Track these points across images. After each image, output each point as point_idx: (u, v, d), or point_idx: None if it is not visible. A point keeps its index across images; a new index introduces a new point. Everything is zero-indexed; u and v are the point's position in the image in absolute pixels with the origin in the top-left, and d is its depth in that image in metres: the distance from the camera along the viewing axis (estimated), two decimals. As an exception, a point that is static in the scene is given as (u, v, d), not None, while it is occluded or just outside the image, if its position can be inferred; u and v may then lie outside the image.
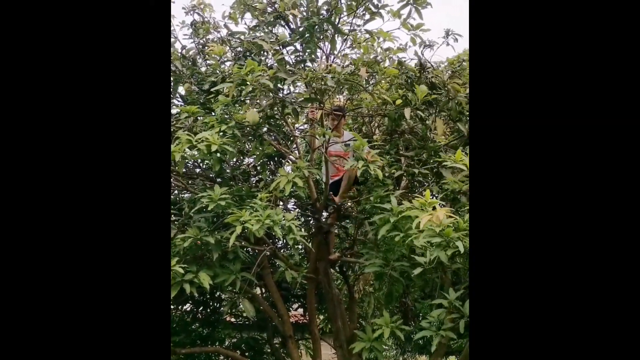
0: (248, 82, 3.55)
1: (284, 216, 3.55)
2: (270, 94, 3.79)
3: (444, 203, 3.44)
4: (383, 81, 4.25)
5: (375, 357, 3.84)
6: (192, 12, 4.85)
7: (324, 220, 4.50)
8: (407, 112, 3.85)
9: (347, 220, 5.00)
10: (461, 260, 3.41)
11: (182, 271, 3.42)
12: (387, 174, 4.00)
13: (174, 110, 4.60)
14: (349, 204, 4.98)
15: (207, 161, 4.45)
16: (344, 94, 4.41)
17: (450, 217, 3.14)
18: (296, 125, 4.94)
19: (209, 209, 3.58)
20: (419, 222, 3.12)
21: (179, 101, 4.76)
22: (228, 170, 4.69)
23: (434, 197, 4.39)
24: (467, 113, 4.26)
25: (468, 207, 3.47)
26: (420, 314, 4.75)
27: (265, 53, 4.31)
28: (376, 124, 4.84)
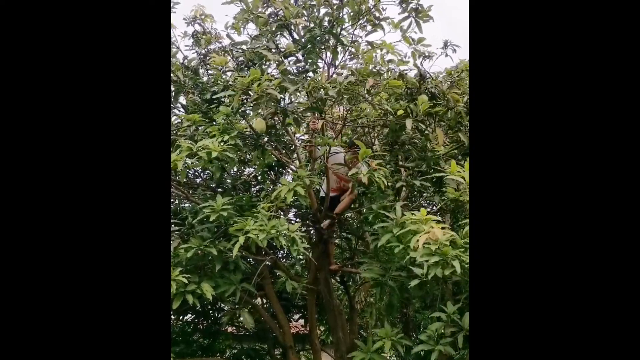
0: (253, 92, 3.57)
1: (288, 227, 3.56)
2: (272, 103, 3.81)
3: (440, 219, 3.45)
4: (383, 92, 4.27)
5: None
6: (193, 23, 4.88)
7: (324, 230, 4.50)
8: (409, 123, 3.87)
9: (348, 230, 5.00)
10: (461, 272, 3.42)
11: (185, 281, 3.42)
12: (388, 185, 4.01)
13: (175, 120, 4.62)
14: (350, 214, 4.99)
15: (208, 170, 4.46)
16: (344, 104, 4.43)
17: (446, 233, 3.15)
18: (296, 135, 4.96)
19: (211, 219, 3.59)
20: (417, 240, 3.14)
21: (180, 111, 4.77)
22: (229, 180, 4.69)
23: (434, 208, 4.44)
24: (467, 123, 4.30)
25: (465, 222, 3.48)
26: (422, 324, 4.74)
27: (268, 63, 4.33)
28: (376, 135, 4.86)
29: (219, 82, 4.28)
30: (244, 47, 4.35)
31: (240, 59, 4.41)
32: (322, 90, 3.75)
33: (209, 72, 4.70)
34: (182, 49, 4.82)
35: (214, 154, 3.56)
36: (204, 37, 4.80)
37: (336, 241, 5.08)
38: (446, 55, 4.55)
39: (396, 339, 3.61)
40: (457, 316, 3.35)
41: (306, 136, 4.98)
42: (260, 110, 3.78)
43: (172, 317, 4.87)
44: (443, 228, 3.19)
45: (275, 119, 4.16)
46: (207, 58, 4.70)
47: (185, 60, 4.67)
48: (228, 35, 4.63)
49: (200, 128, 4.18)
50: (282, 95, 3.91)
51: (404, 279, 3.71)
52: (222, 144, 3.68)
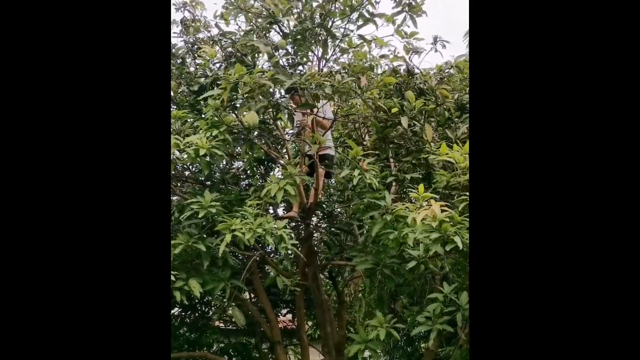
0: (246, 83, 3.50)
1: (275, 224, 3.52)
2: (261, 97, 3.73)
3: (437, 197, 3.46)
4: (375, 88, 4.23)
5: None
6: (182, 9, 4.76)
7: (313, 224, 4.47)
8: (405, 120, 3.83)
9: (337, 225, 4.97)
10: (456, 254, 3.43)
11: (172, 278, 3.38)
12: (378, 181, 3.99)
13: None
14: (339, 209, 4.96)
15: (197, 164, 4.39)
16: (336, 100, 4.38)
17: (444, 210, 3.18)
18: (286, 130, 4.89)
19: (200, 216, 3.54)
20: (414, 218, 3.15)
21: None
22: (218, 175, 4.62)
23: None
24: (455, 119, 4.28)
25: (460, 199, 3.51)
26: (409, 320, 4.76)
27: (258, 56, 4.25)
28: (367, 130, 4.82)
29: (207, 72, 4.19)
30: (233, 38, 4.27)
31: (229, 49, 4.32)
32: (319, 86, 3.67)
33: (197, 62, 4.61)
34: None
35: (202, 151, 3.50)
36: (193, 24, 4.69)
37: (325, 238, 5.05)
38: (435, 50, 4.50)
39: (390, 324, 3.59)
40: (453, 295, 3.40)
41: (296, 130, 4.92)
42: (252, 104, 3.69)
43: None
44: (441, 206, 3.19)
45: (266, 113, 4.09)
46: (195, 47, 4.61)
47: (173, 50, 4.56)
48: (217, 25, 4.53)
49: (188, 121, 4.11)
50: (275, 89, 3.84)
51: (397, 266, 3.73)
52: (210, 139, 3.61)
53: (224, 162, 4.90)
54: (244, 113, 3.85)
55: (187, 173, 4.90)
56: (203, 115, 4.02)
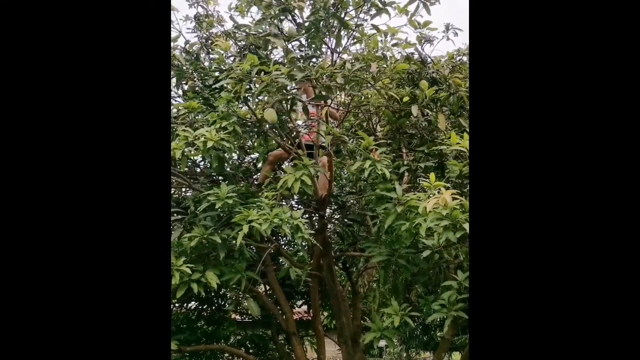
0: (262, 80, 3.51)
1: (291, 215, 3.54)
2: (283, 91, 3.74)
3: (449, 185, 3.45)
4: (386, 77, 4.22)
5: (379, 352, 3.85)
6: (195, 5, 4.79)
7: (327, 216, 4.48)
8: (415, 109, 3.82)
9: (350, 216, 4.98)
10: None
11: (189, 271, 3.41)
12: (390, 171, 3.99)
13: (175, 108, 4.55)
14: (352, 201, 4.96)
15: (207, 158, 4.41)
16: (348, 91, 4.37)
17: (455, 198, 3.17)
18: (298, 122, 4.90)
19: (217, 207, 3.56)
20: (425, 206, 3.14)
21: (185, 98, 4.71)
22: (229, 169, 4.64)
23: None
24: (468, 107, 4.26)
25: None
26: (424, 309, 4.78)
27: (271, 48, 4.26)
28: (378, 120, 4.82)
29: (221, 66, 4.21)
30: (247, 31, 4.27)
31: (243, 42, 4.33)
32: (330, 77, 3.67)
33: (211, 56, 4.63)
34: (184, 32, 4.74)
35: (210, 144, 3.51)
36: (206, 19, 4.71)
37: (338, 229, 5.07)
38: (447, 39, 4.48)
39: (405, 312, 3.60)
40: (468, 283, 3.40)
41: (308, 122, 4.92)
42: (267, 98, 3.71)
43: (176, 304, 4.88)
44: (453, 194, 3.18)
45: (280, 106, 4.10)
46: (209, 42, 4.62)
47: (187, 45, 4.59)
48: (231, 17, 4.54)
49: (200, 115, 4.12)
50: (289, 83, 3.84)
51: (413, 255, 3.73)
52: (220, 131, 3.62)
53: (235, 156, 4.92)
54: (262, 110, 3.85)
55: (198, 170, 4.93)
56: (215, 110, 4.04)
